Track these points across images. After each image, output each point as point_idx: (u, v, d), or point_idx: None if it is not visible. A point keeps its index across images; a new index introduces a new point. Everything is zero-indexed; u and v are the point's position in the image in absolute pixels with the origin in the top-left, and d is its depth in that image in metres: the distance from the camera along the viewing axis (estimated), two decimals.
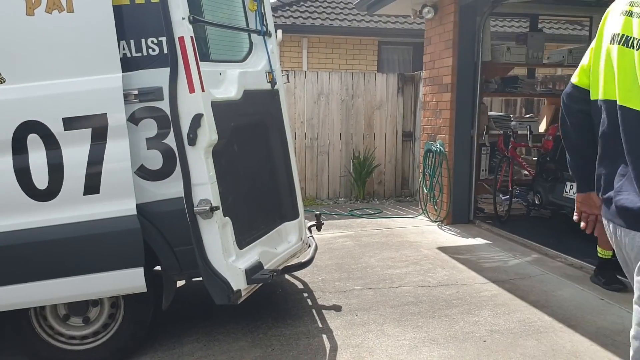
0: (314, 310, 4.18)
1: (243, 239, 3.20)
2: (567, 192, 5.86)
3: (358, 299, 4.34)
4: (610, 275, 4.50)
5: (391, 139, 8.89)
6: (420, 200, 7.59)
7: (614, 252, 4.52)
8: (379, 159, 8.79)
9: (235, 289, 2.96)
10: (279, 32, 11.95)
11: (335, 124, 8.65)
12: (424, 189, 7.34)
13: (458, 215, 6.94)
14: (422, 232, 6.61)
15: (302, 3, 12.01)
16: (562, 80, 9.35)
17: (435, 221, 7.04)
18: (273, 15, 11.65)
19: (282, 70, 8.53)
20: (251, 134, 3.52)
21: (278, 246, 3.61)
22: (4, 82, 2.87)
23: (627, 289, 4.39)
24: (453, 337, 3.63)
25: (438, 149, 6.94)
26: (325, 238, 6.22)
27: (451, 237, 6.33)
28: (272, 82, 3.65)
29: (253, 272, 3.10)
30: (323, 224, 4.81)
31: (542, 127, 7.59)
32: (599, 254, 4.55)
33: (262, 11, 3.63)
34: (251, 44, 3.68)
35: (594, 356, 3.34)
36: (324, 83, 8.54)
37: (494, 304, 4.18)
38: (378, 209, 7.96)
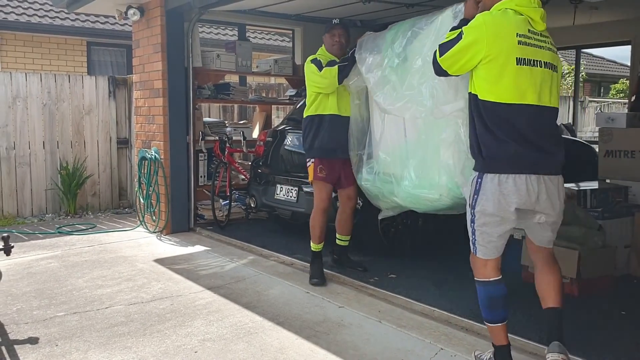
0: (3, 348, 3.57)
1: None
2: (278, 194, 6.15)
3: (60, 327, 3.85)
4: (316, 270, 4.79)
5: (104, 146, 8.27)
6: (138, 211, 7.21)
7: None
8: (91, 169, 8.10)
9: None
10: None
11: (37, 131, 7.69)
12: (141, 198, 7.00)
13: (178, 224, 6.77)
14: (139, 245, 6.26)
15: None
16: (272, 89, 9.92)
17: (154, 232, 6.76)
18: None
19: None
20: None
21: None
22: None
23: (325, 284, 4.72)
24: (164, 353, 3.44)
25: (153, 156, 6.67)
26: (24, 262, 5.45)
27: (170, 248, 6.13)
28: None
29: None
30: (13, 246, 4.14)
31: (255, 133, 7.89)
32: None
33: None
34: None
35: (299, 349, 3.49)
36: (20, 85, 7.52)
37: (208, 312, 4.12)
38: (92, 224, 7.32)
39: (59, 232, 6.83)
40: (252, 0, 6.11)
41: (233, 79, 8.50)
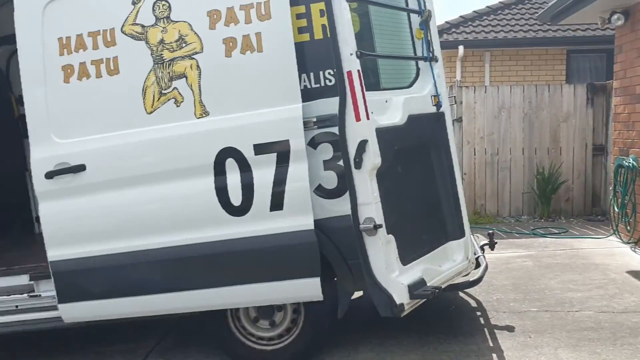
0: (485, 329, 4.19)
1: (407, 256, 3.38)
2: None
3: (533, 321, 4.24)
4: None
5: (580, 153, 8.36)
6: (612, 219, 7.02)
7: None
8: (565, 175, 8.32)
9: (398, 302, 3.15)
10: (460, 48, 12.00)
11: (517, 138, 8.41)
12: (615, 207, 6.80)
13: None
14: (612, 254, 6.13)
15: (484, 17, 11.84)
16: None
17: (628, 243, 6.47)
18: (454, 32, 11.78)
19: (460, 86, 8.62)
20: (415, 156, 3.70)
21: (442, 264, 3.72)
22: (208, 115, 3.36)
23: None
24: None
25: (630, 164, 6.39)
26: (502, 257, 6.10)
27: None
28: (438, 105, 3.81)
29: (416, 288, 3.26)
30: (496, 242, 4.77)
31: None
32: None
33: (429, 38, 3.80)
34: (418, 70, 3.87)
35: None
36: (505, 97, 8.36)
37: None
38: (564, 228, 7.53)
39: (532, 234, 7.32)
40: None
41: None
